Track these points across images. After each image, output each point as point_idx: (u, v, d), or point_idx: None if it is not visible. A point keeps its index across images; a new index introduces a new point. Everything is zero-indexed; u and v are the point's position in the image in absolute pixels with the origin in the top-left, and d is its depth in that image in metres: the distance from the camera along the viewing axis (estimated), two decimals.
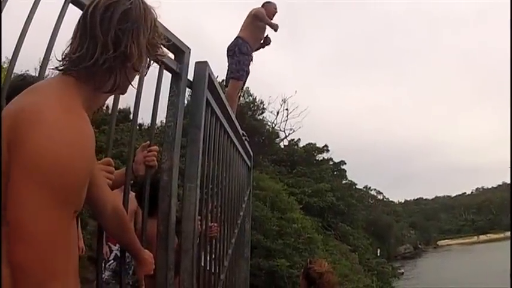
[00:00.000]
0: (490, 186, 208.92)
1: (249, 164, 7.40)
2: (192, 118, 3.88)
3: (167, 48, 3.51)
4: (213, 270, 5.12)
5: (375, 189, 75.37)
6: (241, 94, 24.59)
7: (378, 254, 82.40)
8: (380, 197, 76.89)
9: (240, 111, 22.70)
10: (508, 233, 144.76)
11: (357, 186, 50.15)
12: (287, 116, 33.28)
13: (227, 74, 7.16)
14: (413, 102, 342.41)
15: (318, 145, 31.99)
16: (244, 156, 6.89)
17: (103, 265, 4.47)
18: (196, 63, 4.01)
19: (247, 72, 7.56)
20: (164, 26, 3.26)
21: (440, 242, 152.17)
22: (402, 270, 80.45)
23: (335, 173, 37.24)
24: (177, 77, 3.66)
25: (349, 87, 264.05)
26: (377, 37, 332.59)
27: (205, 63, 4.03)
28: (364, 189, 63.39)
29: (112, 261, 5.67)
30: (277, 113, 32.46)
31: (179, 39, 3.61)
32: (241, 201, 6.69)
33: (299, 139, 37.06)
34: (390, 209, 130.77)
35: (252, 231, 13.34)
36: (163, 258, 3.39)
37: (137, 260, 3.01)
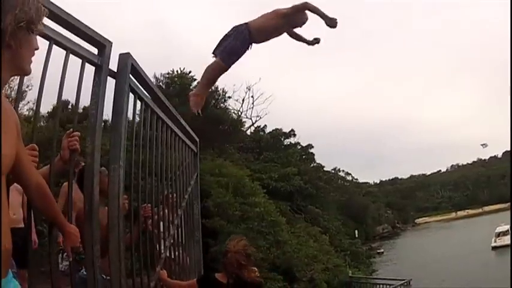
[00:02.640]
0: (465, 163, 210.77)
1: (194, 149, 7.67)
2: (114, 105, 4.22)
3: (90, 44, 3.85)
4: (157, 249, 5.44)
5: (343, 171, 74.95)
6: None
7: (356, 235, 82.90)
8: (349, 177, 76.70)
9: None
10: (486, 208, 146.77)
11: (325, 169, 50.13)
12: (253, 104, 33.57)
13: (217, 46, 6.21)
14: (383, 85, 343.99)
15: (284, 130, 32.31)
16: (187, 141, 7.18)
17: (61, 256, 4.72)
18: (120, 54, 4.34)
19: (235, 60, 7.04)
20: (84, 24, 3.63)
21: (418, 220, 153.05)
22: (382, 250, 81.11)
23: (303, 157, 37.38)
24: (99, 69, 3.99)
25: (318, 72, 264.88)
26: (344, 20, 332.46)
27: (128, 54, 4.36)
28: (333, 171, 63.34)
29: None
30: (243, 100, 32.76)
31: (100, 35, 3.94)
32: (186, 185, 6.96)
33: (265, 125, 37.19)
34: (365, 190, 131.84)
35: (215, 217, 13.65)
36: (88, 232, 3.72)
37: (63, 233, 3.33)
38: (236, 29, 5.84)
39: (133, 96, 4.60)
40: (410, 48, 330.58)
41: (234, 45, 5.72)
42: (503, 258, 57.43)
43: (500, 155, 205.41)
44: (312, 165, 38.59)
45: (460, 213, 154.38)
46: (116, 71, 4.27)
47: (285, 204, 21.53)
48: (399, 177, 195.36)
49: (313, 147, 38.92)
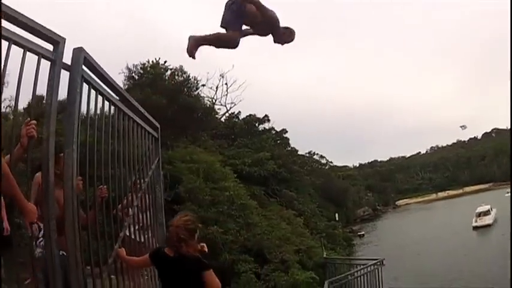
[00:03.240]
0: (445, 145, 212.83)
1: (155, 135, 8.05)
2: (68, 95, 4.69)
3: (46, 41, 4.28)
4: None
5: (317, 154, 74.96)
6: (176, 73, 25.15)
7: (337, 219, 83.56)
8: (324, 161, 76.73)
9: (174, 89, 23.12)
10: (467, 188, 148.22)
11: (299, 153, 50.23)
12: (227, 91, 33.86)
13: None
14: (362, 70, 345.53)
15: (258, 116, 32.61)
16: (146, 127, 7.55)
17: (34, 243, 5.07)
18: (73, 49, 4.79)
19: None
20: (40, 24, 4.07)
21: (398, 202, 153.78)
22: (362, 232, 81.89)
23: (277, 142, 37.67)
24: (53, 64, 4.44)
25: (296, 58, 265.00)
26: (321, 7, 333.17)
27: (80, 48, 4.82)
28: (308, 154, 63.49)
29: (41, 238, 6.22)
30: (217, 88, 33.06)
31: (54, 33, 4.38)
32: (146, 168, 7.35)
33: (239, 112, 37.18)
34: (345, 173, 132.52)
35: (186, 203, 14.05)
36: (45, 209, 4.16)
37: (22, 210, 3.79)
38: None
39: (87, 86, 5.01)
40: (388, 32, 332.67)
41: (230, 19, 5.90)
42: (483, 238, 58.49)
43: (479, 136, 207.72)
44: (286, 149, 38.82)
45: (441, 194, 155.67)
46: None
47: (259, 189, 21.85)
48: (379, 160, 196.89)
49: (287, 132, 39.54)
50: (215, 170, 15.55)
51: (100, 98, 5.46)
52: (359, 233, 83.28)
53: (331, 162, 78.45)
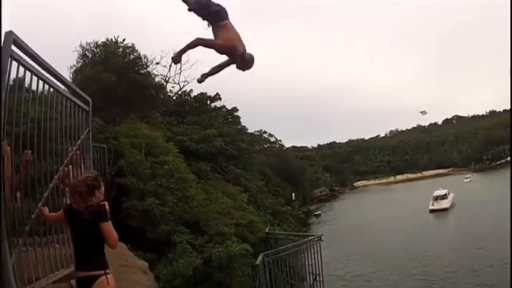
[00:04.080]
0: (404, 129, 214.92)
1: (86, 108, 8.65)
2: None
3: None
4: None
5: (265, 132, 74.89)
6: (127, 51, 25.51)
7: (293, 198, 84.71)
8: (272, 139, 76.90)
9: (124, 66, 23.48)
10: (426, 172, 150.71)
11: (248, 131, 50.57)
12: (180, 69, 34.21)
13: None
14: (324, 53, 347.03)
15: (209, 94, 32.88)
16: (77, 101, 8.16)
17: None
18: (5, 32, 5.49)
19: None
20: None
21: (356, 183, 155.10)
22: (319, 212, 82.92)
23: (229, 119, 38.12)
24: None
25: (256, 38, 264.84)
26: None
27: (10, 32, 5.55)
28: (257, 133, 63.72)
29: None
30: (170, 66, 33.42)
31: None
32: (74, 138, 7.99)
33: (191, 90, 36.57)
34: (303, 154, 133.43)
35: (127, 176, 14.69)
36: None
37: None
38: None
39: (16, 64, 5.69)
40: (350, 16, 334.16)
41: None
42: (439, 221, 60.13)
43: (440, 122, 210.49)
44: (236, 127, 39.27)
45: (399, 177, 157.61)
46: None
47: (205, 165, 22.29)
48: (337, 141, 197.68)
49: (237, 110, 39.92)
50: (157, 144, 16.07)
51: (28, 74, 6.12)
52: (315, 213, 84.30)
53: (280, 140, 78.53)
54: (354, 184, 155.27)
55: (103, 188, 5.95)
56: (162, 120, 25.68)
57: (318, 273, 16.76)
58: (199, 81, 7.02)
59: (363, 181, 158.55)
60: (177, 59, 6.86)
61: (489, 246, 38.62)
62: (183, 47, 6.35)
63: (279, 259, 14.90)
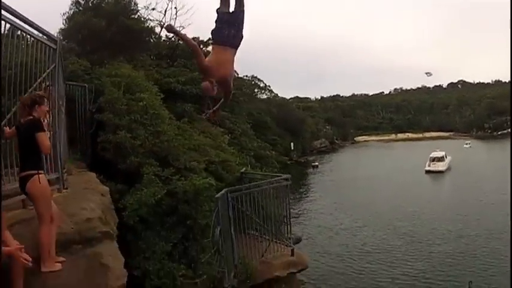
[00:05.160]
0: (409, 88, 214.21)
1: (53, 46, 9.31)
2: None
3: None
4: None
5: (256, 78, 73.81)
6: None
7: (292, 148, 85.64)
8: (261, 84, 76.12)
9: (114, 12, 24.01)
10: (427, 134, 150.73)
11: (238, 76, 50.33)
12: (176, 14, 34.38)
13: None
14: (334, 6, 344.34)
15: (202, 39, 32.90)
16: (44, 40, 8.87)
17: None
18: None
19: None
20: None
21: (357, 138, 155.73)
22: (316, 163, 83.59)
23: None
24: None
25: None
26: None
27: None
28: (247, 78, 63.38)
29: None
30: (165, 11, 33.59)
31: None
32: (38, 72, 8.69)
33: (185, 34, 37.19)
34: (305, 105, 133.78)
35: (105, 112, 15.43)
36: None
37: None
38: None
39: None
40: None
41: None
42: (433, 183, 61.03)
43: (445, 85, 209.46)
44: None
45: (400, 135, 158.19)
46: None
47: (190, 106, 22.74)
48: (341, 94, 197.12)
49: None
50: (137, 83, 16.53)
51: None
52: (313, 164, 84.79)
53: (269, 86, 77.93)
54: (355, 138, 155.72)
55: (46, 107, 7.15)
56: (152, 62, 26.09)
57: (285, 214, 17.00)
58: (167, 29, 7.13)
59: (364, 136, 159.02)
60: (169, 30, 7.08)
61: (478, 214, 39.43)
62: (181, 32, 6.49)
63: (244, 196, 15.30)
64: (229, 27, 5.89)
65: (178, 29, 35.50)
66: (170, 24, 6.72)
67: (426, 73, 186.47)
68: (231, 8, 5.95)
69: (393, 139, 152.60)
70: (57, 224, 6.97)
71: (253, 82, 60.03)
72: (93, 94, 16.79)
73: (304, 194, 58.74)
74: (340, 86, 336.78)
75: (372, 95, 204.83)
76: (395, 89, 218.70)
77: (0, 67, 6.46)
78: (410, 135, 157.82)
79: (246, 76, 59.76)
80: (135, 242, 13.40)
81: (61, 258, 6.94)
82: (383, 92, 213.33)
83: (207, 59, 5.80)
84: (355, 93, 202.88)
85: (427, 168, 71.02)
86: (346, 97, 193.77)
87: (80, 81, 16.92)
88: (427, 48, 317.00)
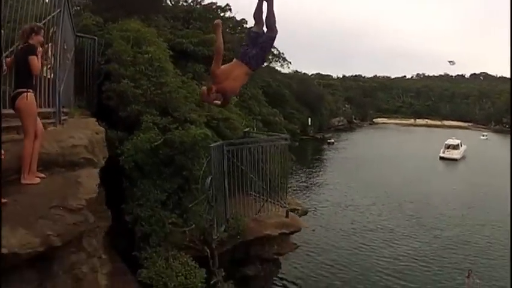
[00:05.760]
0: (431, 74, 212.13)
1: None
2: None
3: None
4: None
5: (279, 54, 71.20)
6: None
7: (309, 123, 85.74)
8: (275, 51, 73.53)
9: None
10: (446, 122, 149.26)
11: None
12: None
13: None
14: None
15: (219, 4, 32.76)
16: None
17: None
18: None
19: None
20: None
21: (376, 120, 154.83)
22: (332, 140, 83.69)
23: (238, 30, 37.99)
24: None
25: None
26: None
27: None
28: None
29: None
30: None
31: None
32: (43, 14, 9.08)
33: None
34: (326, 82, 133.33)
35: (112, 62, 15.80)
36: None
37: None
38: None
39: None
40: None
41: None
42: (445, 169, 60.98)
43: (467, 75, 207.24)
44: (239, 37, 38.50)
45: (419, 121, 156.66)
46: None
47: (200, 66, 22.86)
48: (363, 75, 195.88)
49: (246, 22, 39.66)
50: (145, 38, 16.86)
51: None
52: (328, 140, 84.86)
53: (290, 62, 75.89)
54: (374, 120, 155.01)
55: (41, 38, 7.64)
56: (167, 23, 26.22)
57: (282, 174, 17.17)
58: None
59: (383, 118, 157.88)
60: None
61: (485, 205, 39.43)
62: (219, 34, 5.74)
63: (241, 151, 15.46)
64: (253, 47, 5.92)
65: None
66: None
67: (449, 61, 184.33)
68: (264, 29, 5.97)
69: (412, 124, 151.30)
70: (40, 142, 7.48)
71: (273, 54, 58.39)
72: (102, 47, 17.11)
73: (317, 168, 59.29)
74: (363, 66, 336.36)
75: (393, 78, 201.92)
76: (417, 74, 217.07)
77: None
78: (429, 121, 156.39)
79: None
80: (131, 189, 13.83)
81: (41, 175, 7.50)
82: (405, 76, 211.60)
83: (222, 66, 5.80)
84: (378, 75, 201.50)
85: (442, 154, 70.71)
86: (368, 78, 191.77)
87: (92, 35, 17.22)
88: (453, 36, 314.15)
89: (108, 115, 14.94)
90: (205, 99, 5.83)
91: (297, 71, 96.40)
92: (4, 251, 5.13)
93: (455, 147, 72.68)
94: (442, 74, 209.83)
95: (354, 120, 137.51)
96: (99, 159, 9.63)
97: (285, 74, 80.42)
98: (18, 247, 5.49)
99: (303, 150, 69.04)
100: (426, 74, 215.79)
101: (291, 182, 45.03)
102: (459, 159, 69.51)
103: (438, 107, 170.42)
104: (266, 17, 5.79)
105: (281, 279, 23.59)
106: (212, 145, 14.30)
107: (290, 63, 57.33)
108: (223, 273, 14.35)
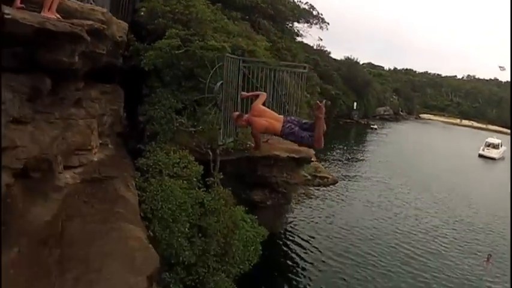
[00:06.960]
0: (481, 77, 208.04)
1: None
2: None
3: None
4: None
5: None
6: None
7: (355, 108, 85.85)
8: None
9: None
10: (491, 126, 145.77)
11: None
12: None
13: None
14: None
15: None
16: None
17: None
18: None
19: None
20: None
21: (422, 115, 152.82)
22: (375, 126, 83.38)
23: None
24: None
25: None
26: None
27: None
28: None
29: None
30: None
31: None
32: None
33: None
34: (377, 71, 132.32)
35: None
36: None
37: None
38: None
39: None
40: None
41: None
42: (484, 167, 61.06)
43: None
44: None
45: (465, 121, 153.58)
46: None
47: (239, 14, 23.29)
48: (414, 69, 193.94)
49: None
50: None
51: None
52: (372, 126, 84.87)
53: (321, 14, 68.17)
54: (420, 115, 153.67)
55: None
56: None
57: (297, 103, 17.25)
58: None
59: (429, 115, 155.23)
60: None
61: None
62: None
63: (258, 70, 15.90)
64: (298, 128, 6.53)
65: None
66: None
67: (500, 67, 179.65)
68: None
69: (457, 123, 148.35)
70: None
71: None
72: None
73: (355, 147, 60.19)
74: (415, 61, 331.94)
75: (444, 76, 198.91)
76: (468, 75, 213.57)
77: None
78: (474, 123, 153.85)
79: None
80: (149, 95, 14.83)
81: (58, 15, 8.29)
82: (456, 76, 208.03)
83: (262, 106, 6.83)
84: (429, 72, 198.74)
85: (481, 152, 69.49)
86: (419, 73, 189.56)
87: None
88: (508, 42, 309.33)
89: (139, 31, 16.10)
90: (236, 122, 6.98)
91: (348, 57, 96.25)
92: None
93: (496, 146, 71.16)
94: (492, 78, 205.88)
95: (400, 113, 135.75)
96: (113, 31, 10.66)
97: (335, 59, 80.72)
98: None
99: (345, 132, 70.41)
100: (476, 77, 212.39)
101: (327, 155, 46.03)
102: (498, 158, 68.34)
103: (485, 110, 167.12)
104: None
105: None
106: (228, 55, 14.64)
107: (328, 24, 55.15)
108: (221, 176, 14.68)
